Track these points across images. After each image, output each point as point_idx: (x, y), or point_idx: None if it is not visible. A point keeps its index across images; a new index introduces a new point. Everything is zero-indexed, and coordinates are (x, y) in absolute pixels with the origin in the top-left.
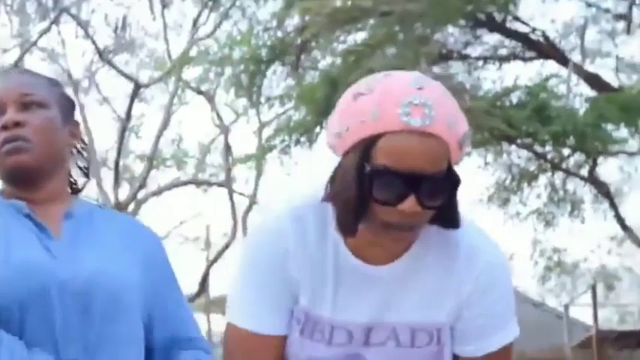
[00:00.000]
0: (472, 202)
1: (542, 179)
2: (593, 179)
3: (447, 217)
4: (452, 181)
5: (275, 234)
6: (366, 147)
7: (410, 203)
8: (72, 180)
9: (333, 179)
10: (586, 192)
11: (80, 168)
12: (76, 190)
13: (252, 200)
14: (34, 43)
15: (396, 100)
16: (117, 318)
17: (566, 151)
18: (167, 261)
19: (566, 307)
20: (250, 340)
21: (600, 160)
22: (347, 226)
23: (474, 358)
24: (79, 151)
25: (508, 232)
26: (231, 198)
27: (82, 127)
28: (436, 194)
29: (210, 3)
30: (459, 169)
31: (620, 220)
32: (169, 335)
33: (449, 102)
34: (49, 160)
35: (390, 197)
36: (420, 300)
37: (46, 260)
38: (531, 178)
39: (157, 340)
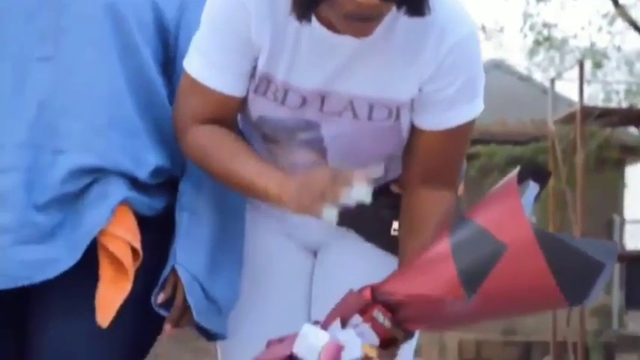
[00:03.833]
0: None
1: None
2: None
3: (414, 3)
4: None
5: None
6: None
7: None
8: None
9: None
10: None
11: None
12: None
13: None
14: None
15: None
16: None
17: None
18: None
19: (553, 81)
20: (199, 89)
21: None
22: (301, 10)
23: (432, 132)
24: None
25: (499, 3)
26: None
27: None
28: None
29: None
30: None
31: None
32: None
33: None
34: None
35: None
36: (379, 75)
37: None
38: None
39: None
